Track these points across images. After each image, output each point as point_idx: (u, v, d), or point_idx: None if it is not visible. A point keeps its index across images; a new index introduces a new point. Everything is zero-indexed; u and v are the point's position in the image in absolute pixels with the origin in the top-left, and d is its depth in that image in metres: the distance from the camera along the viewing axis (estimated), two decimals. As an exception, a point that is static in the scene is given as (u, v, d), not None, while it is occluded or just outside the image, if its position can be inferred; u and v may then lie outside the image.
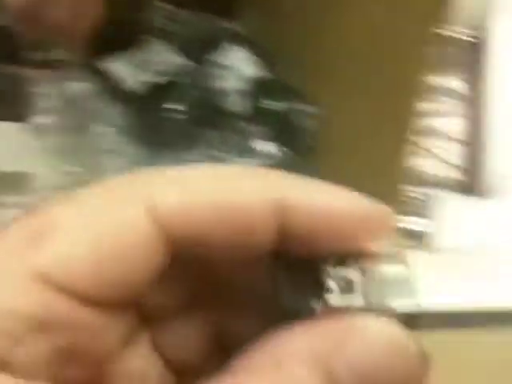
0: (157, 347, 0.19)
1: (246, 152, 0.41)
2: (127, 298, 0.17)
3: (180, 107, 0.44)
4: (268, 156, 0.40)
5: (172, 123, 0.44)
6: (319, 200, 0.17)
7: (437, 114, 0.70)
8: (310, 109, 0.40)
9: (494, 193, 0.51)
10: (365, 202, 0.18)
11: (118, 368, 0.18)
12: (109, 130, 0.41)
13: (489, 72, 0.64)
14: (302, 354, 0.15)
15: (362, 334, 0.16)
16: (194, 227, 0.17)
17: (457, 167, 0.61)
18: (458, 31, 0.76)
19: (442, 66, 0.75)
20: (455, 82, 0.73)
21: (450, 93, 0.72)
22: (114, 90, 0.42)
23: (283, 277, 0.18)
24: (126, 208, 0.16)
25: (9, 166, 0.45)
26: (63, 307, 0.16)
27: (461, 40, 0.75)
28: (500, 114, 0.57)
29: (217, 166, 0.18)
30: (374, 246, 0.18)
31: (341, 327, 0.16)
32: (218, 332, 0.19)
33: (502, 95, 0.59)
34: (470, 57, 0.72)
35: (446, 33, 0.77)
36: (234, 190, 0.17)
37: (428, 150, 0.64)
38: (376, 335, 0.16)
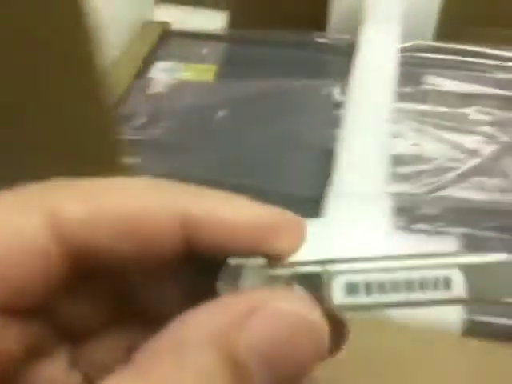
0: (76, 361, 0.19)
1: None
2: (24, 306, 0.17)
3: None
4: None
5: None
6: (222, 211, 0.17)
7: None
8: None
9: (333, 210, 0.47)
10: (268, 210, 0.18)
11: (28, 378, 0.18)
12: None
13: (353, 81, 0.60)
14: (203, 337, 0.15)
15: (263, 311, 0.15)
16: (99, 240, 0.17)
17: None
18: (335, 37, 0.73)
19: (320, 73, 0.72)
20: (334, 90, 0.70)
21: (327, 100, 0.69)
22: None
23: (196, 278, 0.18)
24: (25, 216, 0.16)
25: None
26: None
27: (337, 46, 0.72)
28: (355, 126, 0.54)
29: (125, 178, 0.18)
30: (281, 252, 0.18)
31: (241, 306, 0.15)
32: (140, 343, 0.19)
33: (360, 106, 0.56)
34: (346, 64, 0.69)
35: (322, 39, 0.74)
36: (141, 205, 0.17)
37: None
38: (278, 312, 0.15)
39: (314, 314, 0.16)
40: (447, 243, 0.44)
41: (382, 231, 0.43)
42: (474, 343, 0.36)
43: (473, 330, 0.36)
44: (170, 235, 0.17)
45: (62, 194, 0.17)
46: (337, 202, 0.46)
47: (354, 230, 0.42)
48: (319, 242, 0.43)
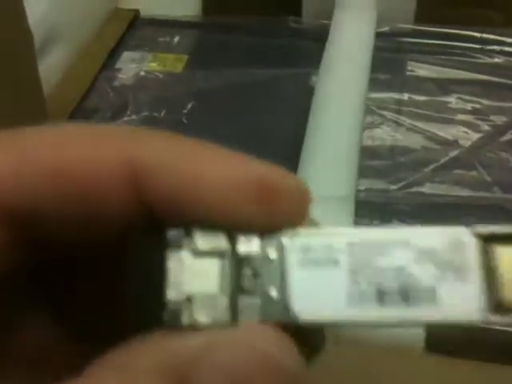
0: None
1: None
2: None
3: None
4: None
5: None
6: (184, 162, 0.14)
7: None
8: None
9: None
10: (258, 165, 0.15)
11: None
12: None
13: (324, 68, 0.57)
14: (152, 364, 0.13)
15: (220, 350, 0.13)
16: (33, 200, 0.14)
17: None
18: (311, 23, 0.70)
19: (296, 60, 0.69)
20: (311, 78, 0.67)
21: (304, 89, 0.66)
22: None
23: (135, 259, 0.14)
24: None
25: None
26: None
27: (314, 32, 0.69)
28: (324, 117, 0.51)
29: (58, 125, 0.15)
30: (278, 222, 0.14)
31: (198, 342, 0.13)
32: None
33: (330, 96, 0.53)
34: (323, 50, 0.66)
35: (298, 24, 0.71)
36: (79, 154, 0.14)
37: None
38: (237, 353, 0.13)
39: (279, 349, 0.13)
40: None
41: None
42: (434, 359, 0.33)
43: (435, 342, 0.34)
44: (118, 192, 0.14)
45: None
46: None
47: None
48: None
